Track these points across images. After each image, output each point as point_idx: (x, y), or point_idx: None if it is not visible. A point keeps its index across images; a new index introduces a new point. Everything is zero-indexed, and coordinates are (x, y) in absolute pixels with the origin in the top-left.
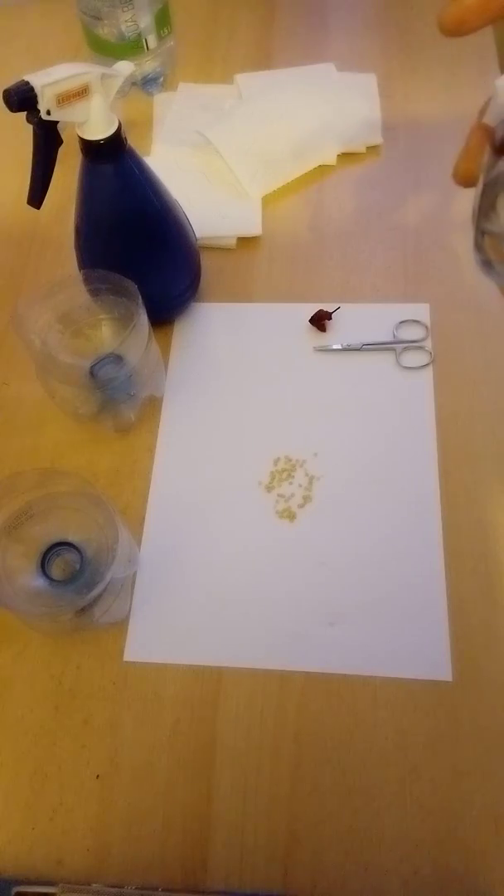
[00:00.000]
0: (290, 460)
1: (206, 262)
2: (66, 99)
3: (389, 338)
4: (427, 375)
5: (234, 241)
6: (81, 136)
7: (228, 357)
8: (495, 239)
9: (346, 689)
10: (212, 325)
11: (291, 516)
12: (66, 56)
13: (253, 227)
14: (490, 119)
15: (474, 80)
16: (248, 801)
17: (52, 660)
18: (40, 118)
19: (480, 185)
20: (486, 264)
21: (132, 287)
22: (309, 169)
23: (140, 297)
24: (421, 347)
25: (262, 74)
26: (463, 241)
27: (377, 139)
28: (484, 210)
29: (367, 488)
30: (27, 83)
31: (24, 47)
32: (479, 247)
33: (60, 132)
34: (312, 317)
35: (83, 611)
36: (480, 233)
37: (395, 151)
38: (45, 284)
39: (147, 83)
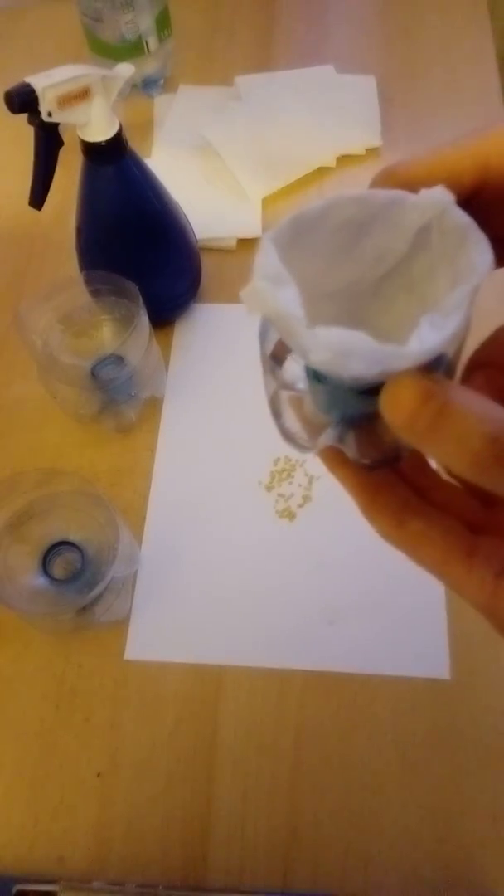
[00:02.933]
0: (289, 460)
1: (207, 264)
2: (67, 101)
3: None
4: None
5: (234, 243)
6: (82, 137)
7: (228, 357)
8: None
9: (346, 687)
10: (212, 325)
11: (291, 516)
12: (67, 58)
13: (253, 228)
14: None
15: (473, 82)
16: (248, 799)
17: (53, 658)
18: (41, 120)
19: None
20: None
21: (133, 288)
22: (309, 171)
23: (141, 297)
24: None
25: (262, 76)
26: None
27: (376, 141)
28: (279, 424)
29: None
30: (28, 85)
31: (24, 49)
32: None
33: (61, 134)
34: None
35: (84, 610)
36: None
37: (395, 154)
38: (46, 286)
39: (147, 85)
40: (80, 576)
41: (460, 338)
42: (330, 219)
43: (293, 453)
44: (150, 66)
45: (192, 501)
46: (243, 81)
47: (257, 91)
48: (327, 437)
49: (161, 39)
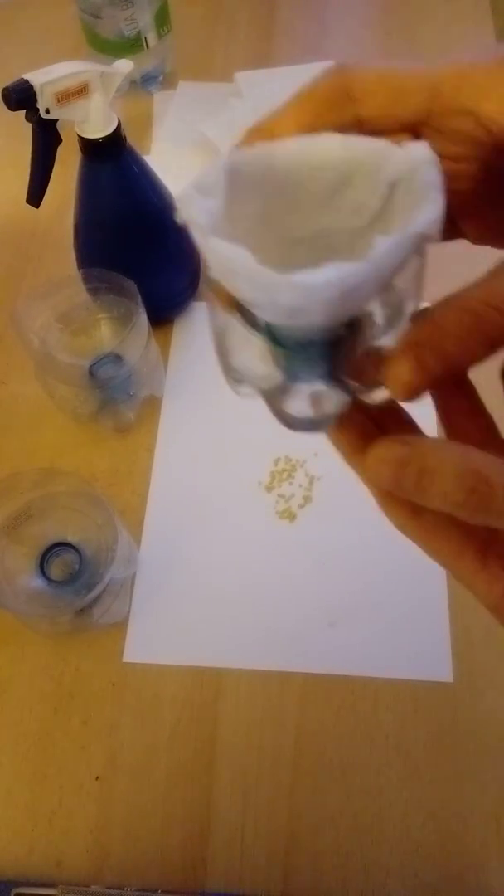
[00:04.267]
0: (290, 460)
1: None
2: (65, 97)
3: None
4: None
5: None
6: (81, 134)
7: None
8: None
9: (347, 689)
10: None
11: (291, 516)
12: (66, 54)
13: None
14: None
15: None
16: (247, 803)
17: (51, 661)
18: (39, 117)
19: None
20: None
21: (131, 286)
22: None
23: (139, 296)
24: None
25: (262, 72)
26: (462, 241)
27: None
28: (223, 362)
29: (367, 488)
30: (26, 82)
31: (23, 45)
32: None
33: (59, 131)
34: None
35: (82, 611)
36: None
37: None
38: (44, 283)
39: (146, 81)
40: (77, 577)
41: (369, 292)
42: (310, 158)
43: (293, 453)
44: (149, 63)
45: (192, 502)
46: (243, 77)
47: (257, 87)
48: (268, 387)
49: (160, 35)
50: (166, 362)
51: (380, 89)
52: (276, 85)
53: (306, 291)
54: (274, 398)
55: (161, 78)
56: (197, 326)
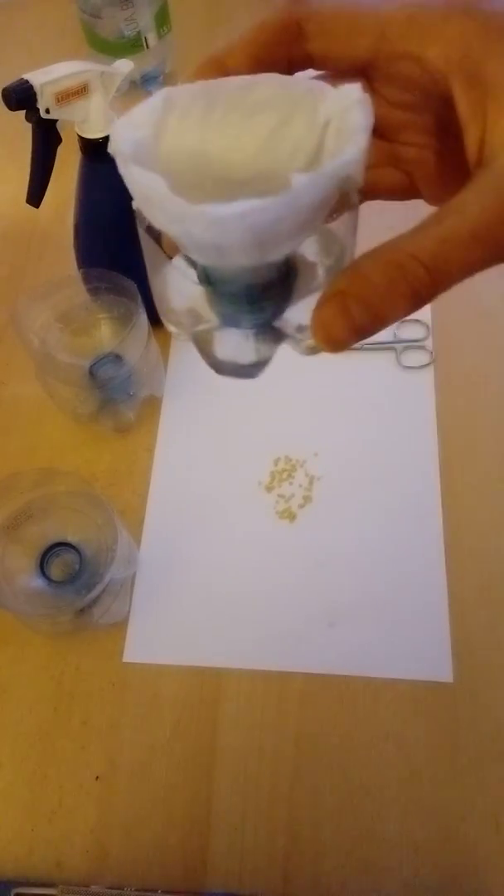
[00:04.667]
0: (290, 460)
1: None
2: (65, 97)
3: (390, 337)
4: (428, 375)
5: None
6: (81, 134)
7: None
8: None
9: (347, 689)
10: None
11: (291, 516)
12: (66, 54)
13: None
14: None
15: None
16: (247, 802)
17: (51, 661)
18: (39, 117)
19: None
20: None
21: (131, 286)
22: None
23: (139, 296)
24: (422, 347)
25: None
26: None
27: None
28: (160, 302)
29: (367, 488)
30: (26, 81)
31: (22, 45)
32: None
33: (59, 131)
34: None
35: (82, 611)
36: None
37: None
38: (44, 283)
39: (146, 81)
40: (77, 577)
41: (285, 235)
42: (250, 96)
43: (293, 453)
44: (150, 63)
45: (192, 502)
46: None
47: None
48: (203, 329)
49: (160, 35)
50: (166, 362)
51: (331, 27)
52: None
53: (217, 222)
54: (205, 342)
55: (161, 78)
56: None
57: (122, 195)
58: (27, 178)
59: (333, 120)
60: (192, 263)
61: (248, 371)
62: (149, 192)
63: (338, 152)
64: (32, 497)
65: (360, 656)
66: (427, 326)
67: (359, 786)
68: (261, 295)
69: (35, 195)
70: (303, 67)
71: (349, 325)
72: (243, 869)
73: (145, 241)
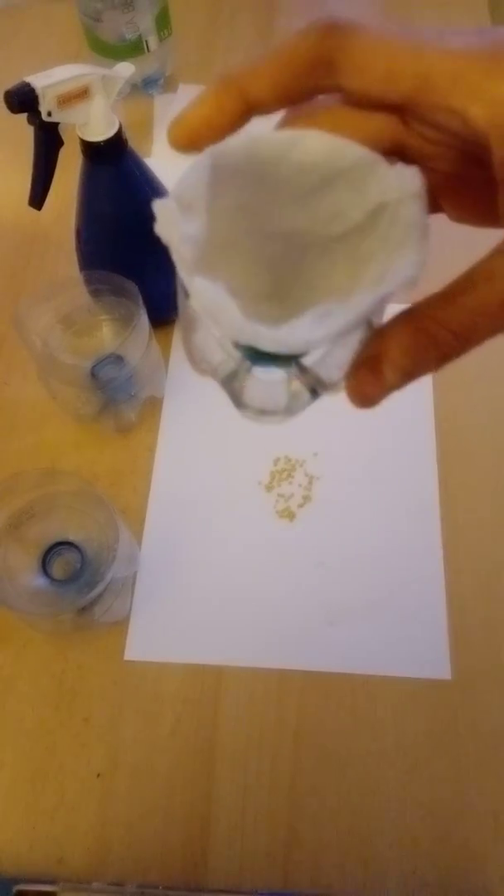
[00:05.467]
0: (289, 460)
1: None
2: (66, 100)
3: None
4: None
5: None
6: (82, 137)
7: None
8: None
9: (346, 688)
10: None
11: (291, 516)
12: (67, 57)
13: None
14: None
15: None
16: (248, 800)
17: (52, 659)
18: (41, 120)
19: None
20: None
21: (133, 288)
22: None
23: (141, 297)
24: None
25: None
26: (463, 239)
27: None
28: (186, 341)
29: (366, 488)
30: (28, 84)
31: (24, 49)
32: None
33: (61, 133)
34: None
35: (84, 610)
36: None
37: None
38: (46, 285)
39: (147, 84)
40: (79, 576)
41: (345, 335)
42: (293, 155)
43: (293, 453)
44: (150, 66)
45: (192, 501)
46: None
47: None
48: (228, 371)
49: (161, 39)
50: (167, 363)
51: (368, 66)
52: None
53: (288, 344)
54: (231, 383)
55: (162, 81)
56: None
57: (123, 198)
58: (29, 180)
59: (390, 206)
60: None
61: (279, 417)
62: (217, 311)
63: (396, 252)
64: (34, 496)
65: (359, 654)
66: None
67: (358, 783)
68: (291, 358)
69: (37, 198)
70: (332, 96)
71: (381, 386)
72: (243, 865)
73: (181, 299)
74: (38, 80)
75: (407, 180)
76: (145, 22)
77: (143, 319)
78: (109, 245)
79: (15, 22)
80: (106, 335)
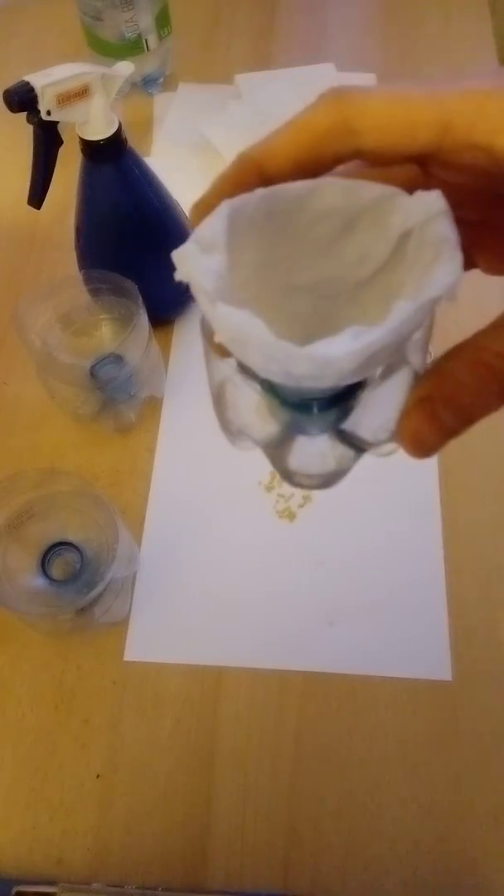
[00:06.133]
0: None
1: None
2: (66, 99)
3: None
4: None
5: None
6: (82, 136)
7: None
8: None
9: (346, 688)
10: None
11: (291, 516)
12: (67, 56)
13: None
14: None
15: None
16: (248, 801)
17: (52, 660)
18: (40, 118)
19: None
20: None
21: (132, 287)
22: None
23: (140, 297)
24: None
25: (263, 74)
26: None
27: None
28: (221, 413)
29: (366, 488)
30: (27, 83)
31: (24, 47)
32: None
33: (61, 132)
34: None
35: (83, 611)
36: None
37: None
38: (45, 284)
39: (147, 83)
40: (79, 576)
41: (386, 357)
42: (311, 204)
43: None
44: (150, 65)
45: (192, 502)
46: (243, 79)
47: (257, 89)
48: (268, 438)
49: (161, 37)
50: (167, 363)
51: (385, 124)
52: (276, 87)
53: (325, 364)
54: (275, 452)
55: (162, 80)
56: (197, 327)
57: (122, 197)
58: (28, 179)
59: (415, 230)
60: (252, 374)
61: (324, 481)
62: (246, 335)
63: (428, 268)
64: (34, 497)
65: (359, 655)
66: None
67: (358, 784)
68: (330, 404)
69: (36, 197)
70: (351, 161)
71: (440, 430)
72: (243, 867)
73: (206, 351)
74: (37, 79)
75: (430, 202)
76: (145, 21)
77: (143, 319)
78: (109, 244)
79: (14, 21)
80: (105, 335)
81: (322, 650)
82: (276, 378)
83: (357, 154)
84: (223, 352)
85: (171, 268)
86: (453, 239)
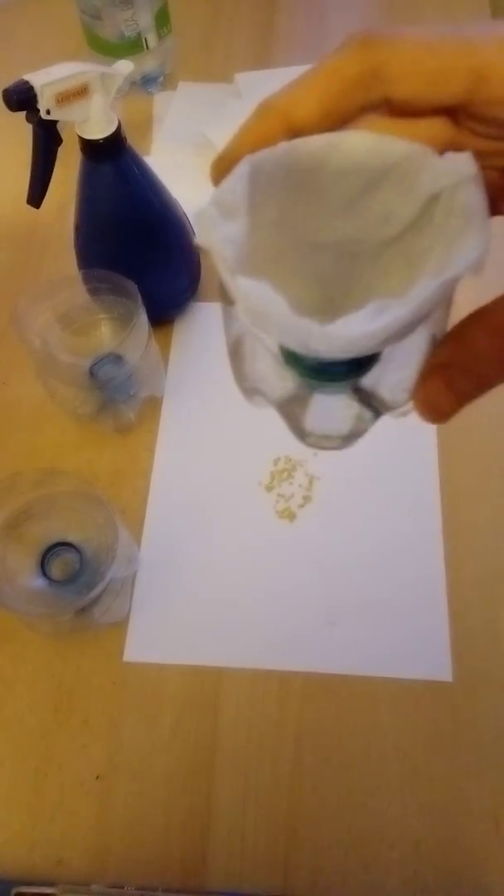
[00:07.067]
0: (290, 460)
1: (206, 262)
2: (65, 98)
3: None
4: None
5: None
6: (81, 135)
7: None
8: (252, 393)
9: (346, 689)
10: (212, 324)
11: (291, 516)
12: (66, 55)
13: None
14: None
15: None
16: (248, 801)
17: (51, 660)
18: (40, 118)
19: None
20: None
21: (132, 287)
22: None
23: (140, 296)
24: None
25: (263, 73)
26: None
27: None
28: (236, 369)
29: (367, 488)
30: (27, 82)
31: (23, 46)
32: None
33: (60, 131)
34: None
35: (83, 611)
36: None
37: None
38: (44, 284)
39: (147, 82)
40: (78, 577)
41: (407, 331)
42: (335, 159)
43: (293, 453)
44: (150, 64)
45: (192, 502)
46: (243, 78)
47: (257, 88)
48: (283, 396)
49: (160, 36)
50: (166, 362)
51: (417, 70)
52: (277, 86)
53: (345, 343)
54: (290, 411)
55: (161, 79)
56: (197, 326)
57: (122, 196)
58: (28, 178)
59: (444, 194)
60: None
61: (340, 443)
62: (265, 309)
63: (455, 238)
64: (33, 497)
65: (359, 656)
66: None
67: (359, 785)
68: (349, 369)
69: (36, 196)
70: (379, 111)
71: (456, 397)
72: (243, 868)
73: (225, 306)
74: (36, 78)
75: (460, 165)
76: (145, 19)
77: (143, 318)
78: (108, 243)
79: (14, 19)
80: (105, 334)
81: (322, 650)
82: (294, 348)
83: (384, 103)
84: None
85: (170, 267)
86: (482, 210)
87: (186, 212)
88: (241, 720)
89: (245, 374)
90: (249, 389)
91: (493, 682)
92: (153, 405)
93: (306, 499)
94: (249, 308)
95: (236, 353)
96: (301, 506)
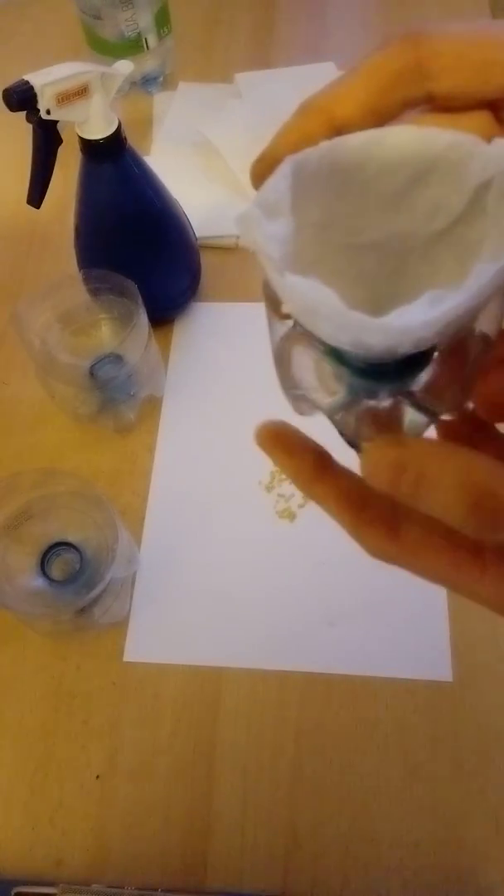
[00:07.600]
0: None
1: (207, 262)
2: (65, 98)
3: None
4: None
5: (234, 241)
6: (81, 135)
7: (228, 357)
8: (300, 400)
9: (347, 689)
10: (212, 324)
11: (291, 516)
12: (66, 55)
13: None
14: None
15: None
16: (248, 802)
17: (51, 660)
18: (40, 118)
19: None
20: (301, 412)
21: (132, 286)
22: None
23: (140, 296)
24: None
25: (262, 73)
26: None
27: None
28: (283, 376)
29: None
30: (27, 83)
31: (23, 46)
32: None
33: (60, 131)
34: None
35: (83, 611)
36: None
37: None
38: (44, 284)
39: (147, 82)
40: (78, 577)
41: (465, 321)
42: (379, 154)
43: None
44: (150, 64)
45: (192, 502)
46: (243, 78)
47: (257, 88)
48: (334, 403)
49: (160, 36)
50: (166, 362)
51: (461, 64)
52: (276, 86)
53: (401, 334)
54: (341, 419)
55: (161, 79)
56: (197, 326)
57: (122, 196)
58: (28, 178)
59: (495, 182)
60: (315, 341)
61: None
62: (316, 305)
63: None
64: (33, 497)
65: (359, 655)
66: None
67: (359, 785)
68: (401, 369)
69: (36, 196)
70: (422, 106)
71: None
72: (243, 868)
73: (272, 327)
74: (36, 78)
75: None
76: (145, 20)
77: (143, 318)
78: (108, 243)
79: (14, 19)
80: (105, 334)
81: (322, 650)
82: (346, 347)
83: (427, 99)
84: (281, 314)
85: (170, 267)
86: None
87: (186, 212)
88: (241, 720)
89: (293, 380)
90: (298, 397)
91: (492, 682)
92: (153, 405)
93: (306, 499)
94: (299, 306)
95: (281, 360)
96: (301, 506)
